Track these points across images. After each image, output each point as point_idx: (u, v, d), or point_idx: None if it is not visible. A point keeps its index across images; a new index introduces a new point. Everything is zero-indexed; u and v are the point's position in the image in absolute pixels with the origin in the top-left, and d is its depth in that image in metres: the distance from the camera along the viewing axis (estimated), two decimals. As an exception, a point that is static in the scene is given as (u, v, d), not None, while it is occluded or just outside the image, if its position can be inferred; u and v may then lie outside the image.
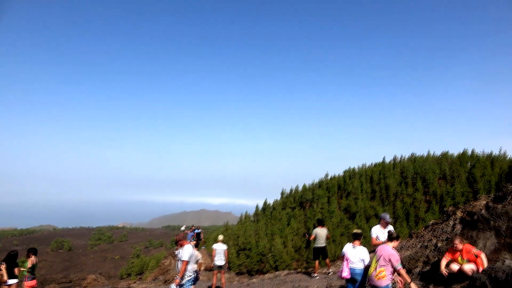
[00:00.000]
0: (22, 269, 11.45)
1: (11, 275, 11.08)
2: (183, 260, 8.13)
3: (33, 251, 11.82)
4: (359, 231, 7.69)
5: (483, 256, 7.36)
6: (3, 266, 10.46)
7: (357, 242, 7.52)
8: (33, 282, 11.53)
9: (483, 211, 9.82)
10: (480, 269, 7.17)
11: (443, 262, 8.09)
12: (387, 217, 8.67)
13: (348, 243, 7.68)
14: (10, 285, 11.06)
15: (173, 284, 8.18)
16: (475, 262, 7.43)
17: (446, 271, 7.88)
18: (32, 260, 11.53)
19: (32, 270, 11.55)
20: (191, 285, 8.41)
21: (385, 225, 8.70)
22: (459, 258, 7.80)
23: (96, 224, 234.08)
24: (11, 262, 11.18)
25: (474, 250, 7.50)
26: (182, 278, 8.10)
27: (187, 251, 8.30)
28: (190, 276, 8.35)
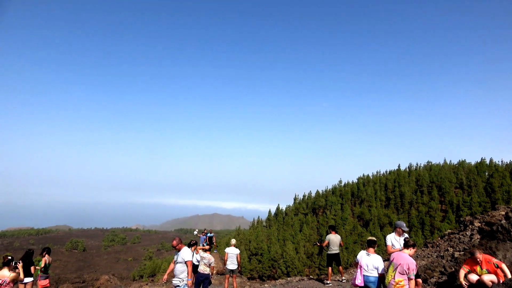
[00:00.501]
0: (36, 267, 11.61)
1: (28, 274, 11.25)
2: (186, 261, 8.06)
3: (46, 251, 11.99)
4: (374, 238, 7.56)
5: (504, 266, 7.11)
6: (20, 265, 10.65)
7: (371, 250, 7.36)
8: (46, 282, 11.68)
9: (503, 221, 9.55)
10: (501, 280, 6.94)
11: (462, 273, 7.88)
12: (404, 225, 8.50)
13: (362, 250, 7.55)
14: (26, 283, 11.22)
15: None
16: (496, 273, 7.20)
17: (465, 283, 7.67)
18: (45, 259, 11.70)
19: (45, 269, 11.71)
20: None
21: (400, 234, 8.53)
22: (478, 269, 7.58)
23: (110, 226, 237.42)
24: (28, 260, 11.36)
25: (494, 260, 7.28)
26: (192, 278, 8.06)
27: (187, 251, 8.22)
28: (183, 280, 8.15)
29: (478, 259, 7.51)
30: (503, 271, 7.08)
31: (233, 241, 12.39)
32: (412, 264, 6.21)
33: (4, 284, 7.76)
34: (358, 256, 7.36)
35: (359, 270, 7.20)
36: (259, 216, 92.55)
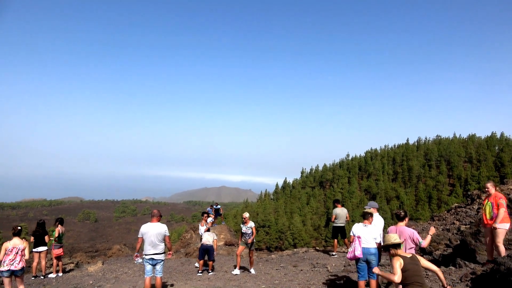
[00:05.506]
0: (50, 238, 11.99)
1: (42, 243, 11.64)
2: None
3: (59, 221, 12.34)
4: (368, 210, 7.49)
5: (501, 211, 7.27)
6: (31, 240, 11.11)
7: (367, 222, 7.23)
8: (60, 251, 12.07)
9: (510, 195, 9.51)
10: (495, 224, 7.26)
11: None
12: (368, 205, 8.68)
13: (357, 223, 7.49)
14: (40, 252, 11.63)
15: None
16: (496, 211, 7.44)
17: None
18: (58, 229, 12.04)
19: (59, 239, 12.07)
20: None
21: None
22: (486, 201, 7.72)
23: (121, 198, 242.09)
24: (42, 230, 11.73)
25: (501, 201, 7.37)
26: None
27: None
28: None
29: (487, 189, 7.65)
30: (497, 215, 7.32)
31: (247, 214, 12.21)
32: (415, 233, 6.34)
33: (18, 252, 8.05)
34: (354, 229, 7.20)
35: (357, 241, 7.02)
36: (266, 189, 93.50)
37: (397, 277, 5.00)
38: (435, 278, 7.85)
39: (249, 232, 11.30)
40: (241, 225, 11.58)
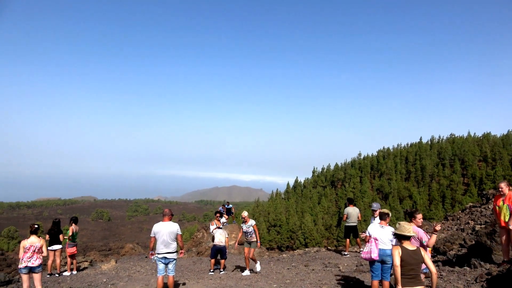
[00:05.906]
0: (65, 237, 12.20)
1: (56, 241, 11.86)
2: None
3: (74, 220, 12.54)
4: (386, 210, 7.39)
5: None
6: (47, 237, 11.34)
7: (384, 222, 7.10)
8: (73, 249, 12.27)
9: (527, 195, 9.31)
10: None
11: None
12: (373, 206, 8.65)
13: (372, 223, 7.37)
14: (55, 250, 11.85)
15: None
16: None
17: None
18: (72, 228, 12.24)
19: (73, 237, 12.27)
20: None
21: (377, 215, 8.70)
22: (501, 203, 7.51)
23: (133, 197, 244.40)
24: (56, 229, 11.95)
25: None
26: None
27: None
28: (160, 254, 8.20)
29: (501, 189, 7.44)
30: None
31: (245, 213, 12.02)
32: (420, 231, 6.39)
33: (36, 250, 8.21)
34: (371, 230, 7.10)
35: (374, 243, 6.87)
36: (277, 189, 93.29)
37: (397, 261, 5.09)
38: (449, 278, 7.76)
39: (250, 230, 11.23)
40: (242, 225, 11.54)
